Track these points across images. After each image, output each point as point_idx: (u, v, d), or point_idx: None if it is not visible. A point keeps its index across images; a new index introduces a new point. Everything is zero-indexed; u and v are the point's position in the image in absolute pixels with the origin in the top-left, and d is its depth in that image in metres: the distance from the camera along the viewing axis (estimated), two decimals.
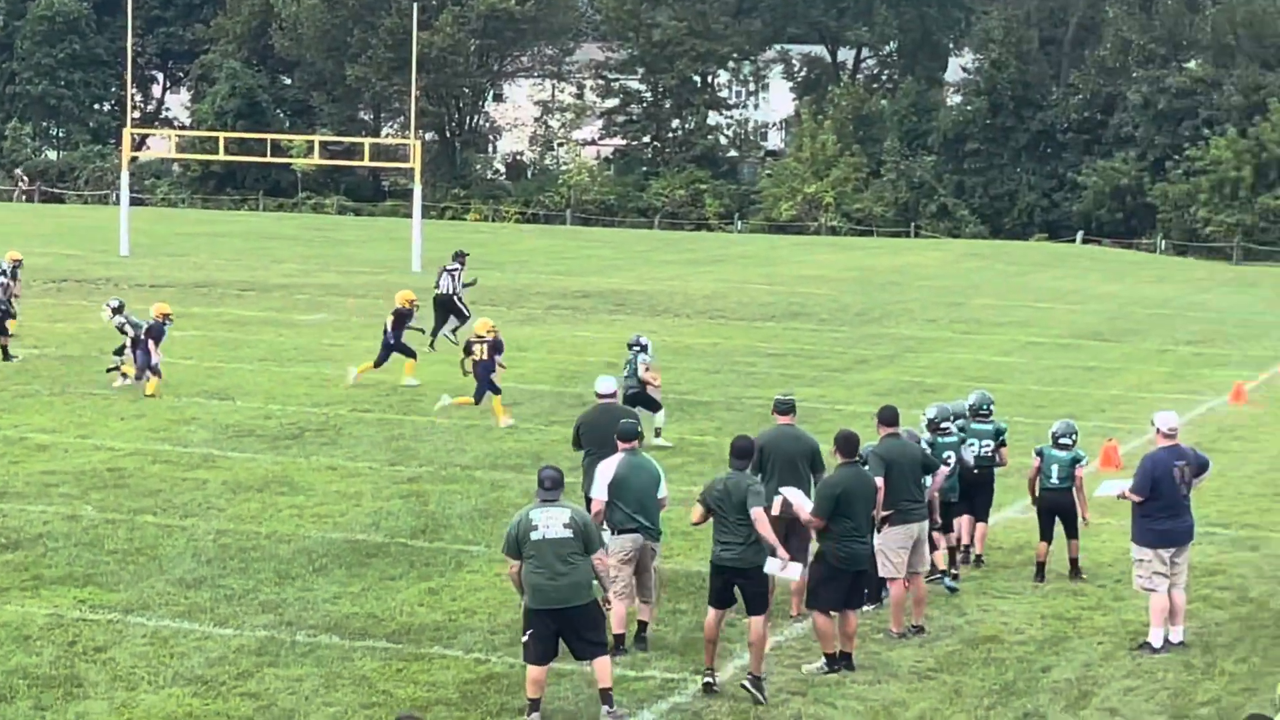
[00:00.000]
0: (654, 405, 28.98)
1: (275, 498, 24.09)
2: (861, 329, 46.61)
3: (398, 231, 75.73)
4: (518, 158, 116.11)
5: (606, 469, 17.91)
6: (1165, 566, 18.21)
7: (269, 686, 16.18)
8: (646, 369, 28.88)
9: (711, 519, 16.81)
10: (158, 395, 31.90)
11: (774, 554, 16.82)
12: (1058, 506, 20.97)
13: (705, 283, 58.02)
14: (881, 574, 18.31)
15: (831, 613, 17.11)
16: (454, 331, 39.85)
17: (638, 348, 29.19)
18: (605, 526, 17.46)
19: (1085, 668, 17.54)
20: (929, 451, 20.01)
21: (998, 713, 16.13)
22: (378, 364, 34.44)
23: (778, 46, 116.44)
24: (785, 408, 19.33)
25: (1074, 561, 21.12)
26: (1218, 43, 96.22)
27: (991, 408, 21.95)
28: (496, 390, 30.90)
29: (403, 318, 34.74)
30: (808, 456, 18.87)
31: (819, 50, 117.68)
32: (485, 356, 31.14)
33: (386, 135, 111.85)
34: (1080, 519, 20.98)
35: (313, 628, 18.02)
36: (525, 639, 15.63)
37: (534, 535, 15.52)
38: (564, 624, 15.49)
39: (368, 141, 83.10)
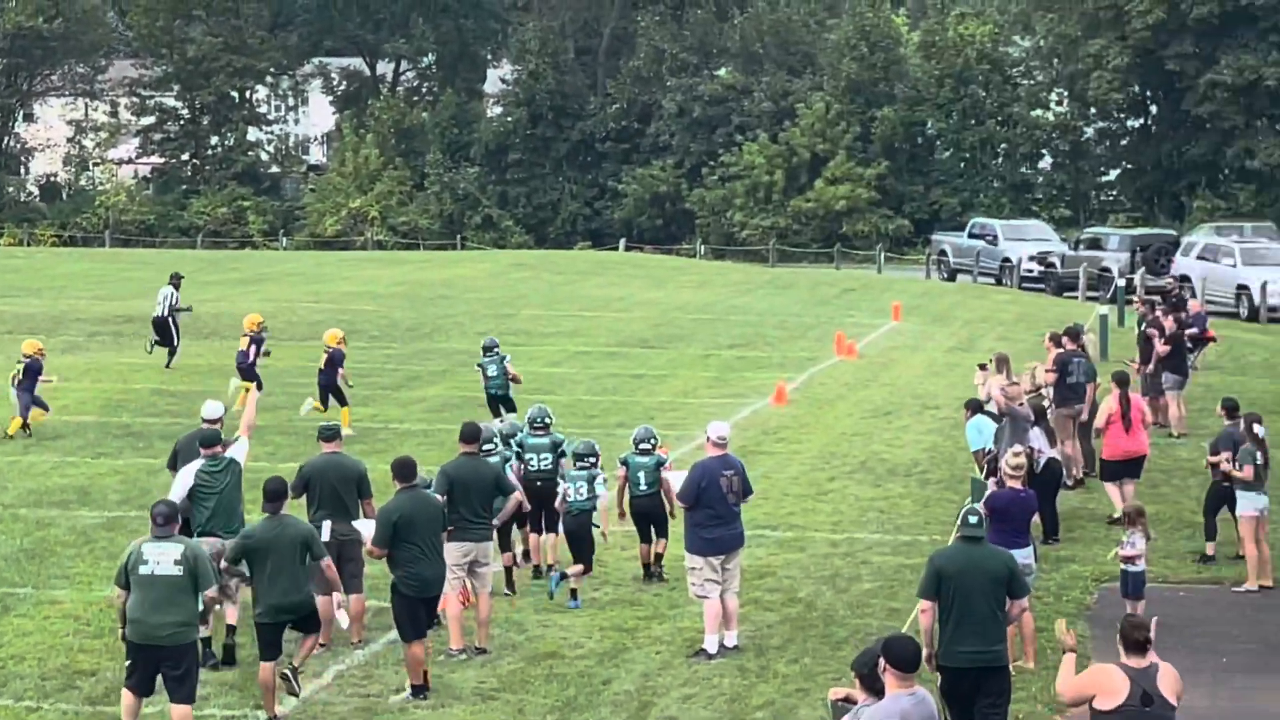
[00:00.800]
0: (513, 406, 31.29)
1: None
2: (413, 345, 46.61)
3: None
4: (52, 179, 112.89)
5: (186, 476, 18.45)
6: (717, 573, 18.67)
7: None
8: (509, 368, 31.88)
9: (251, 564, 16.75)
10: (14, 435, 31.20)
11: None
12: (649, 511, 21.33)
13: (252, 302, 57.16)
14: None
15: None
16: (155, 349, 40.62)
17: (496, 351, 31.95)
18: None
19: (644, 678, 17.86)
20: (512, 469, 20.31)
21: None
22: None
23: (316, 60, 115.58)
24: (330, 434, 19.37)
25: (658, 556, 21.54)
26: (746, 51, 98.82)
27: (548, 420, 22.17)
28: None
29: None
30: (354, 482, 18.93)
31: (358, 63, 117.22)
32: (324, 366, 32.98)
33: None
34: (669, 514, 21.37)
35: None
36: (127, 664, 15.66)
37: (143, 570, 15.47)
38: (161, 661, 15.46)
39: None
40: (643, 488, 21.32)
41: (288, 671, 16.35)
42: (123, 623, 15.70)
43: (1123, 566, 20.35)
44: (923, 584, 15.21)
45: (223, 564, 17.02)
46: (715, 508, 18.67)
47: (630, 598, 20.91)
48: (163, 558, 15.43)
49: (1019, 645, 17.82)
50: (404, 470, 17.59)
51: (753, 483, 19.55)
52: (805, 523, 25.04)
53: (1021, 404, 24.02)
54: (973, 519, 15.50)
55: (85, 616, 19.83)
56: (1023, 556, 16.92)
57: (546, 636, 19.26)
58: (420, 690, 17.07)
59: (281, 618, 16.46)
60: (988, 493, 19.45)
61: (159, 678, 15.55)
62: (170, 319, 40.96)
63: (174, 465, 20.13)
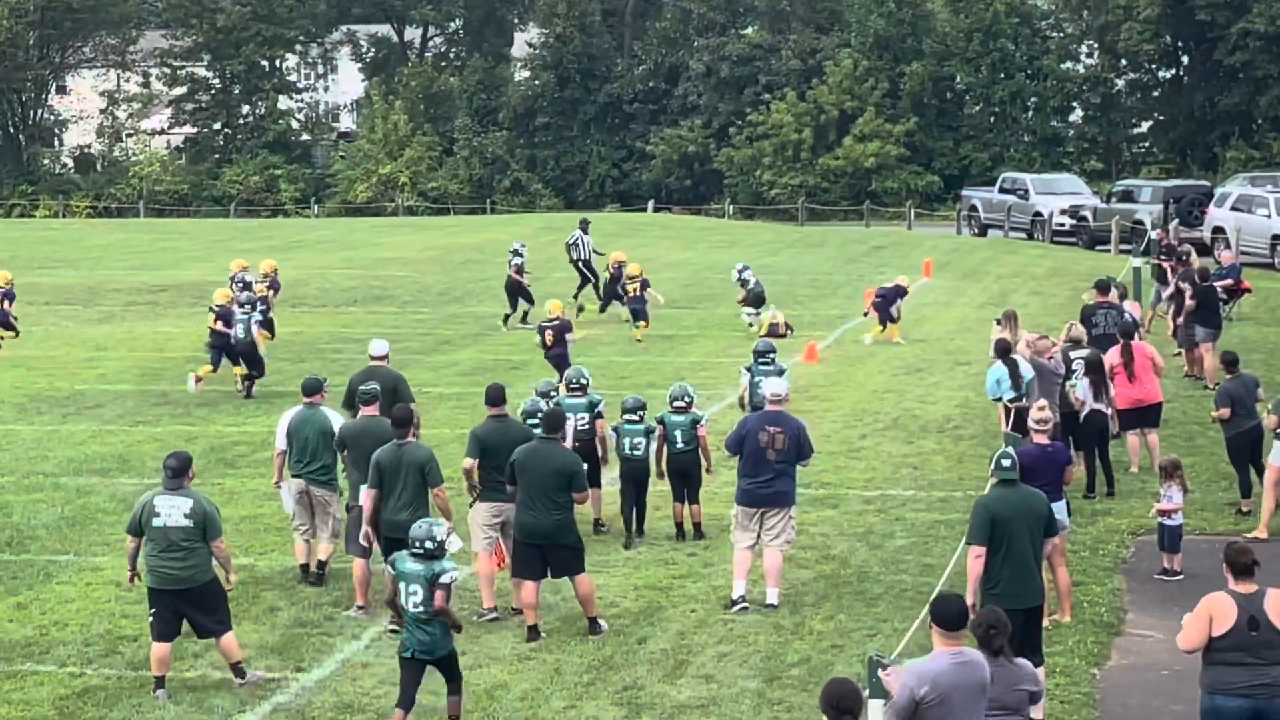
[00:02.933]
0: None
1: None
2: (444, 309, 46.71)
3: None
4: (86, 150, 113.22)
5: (284, 421, 19.78)
6: (749, 524, 18.80)
7: None
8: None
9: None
10: None
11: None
12: (686, 468, 21.52)
13: (285, 270, 56.91)
14: (475, 548, 18.82)
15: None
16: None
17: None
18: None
19: (680, 636, 17.97)
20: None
21: (597, 688, 16.47)
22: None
23: (344, 28, 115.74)
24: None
25: (697, 525, 21.72)
26: (773, 9, 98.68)
27: (584, 381, 22.27)
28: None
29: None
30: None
31: (385, 30, 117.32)
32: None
33: None
34: (705, 470, 21.58)
35: None
36: (150, 617, 16.32)
37: (155, 522, 16.11)
38: (183, 604, 16.12)
39: None
40: (679, 445, 21.51)
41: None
42: (131, 567, 16.50)
43: (1160, 520, 20.41)
44: (974, 530, 15.33)
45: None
46: (752, 460, 18.82)
47: (664, 557, 21.03)
48: (173, 511, 16.10)
49: (1054, 600, 17.89)
50: (554, 419, 18.47)
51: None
52: (838, 480, 25.12)
53: (1050, 357, 23.98)
54: (1006, 462, 15.68)
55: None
56: (1055, 512, 16.95)
57: None
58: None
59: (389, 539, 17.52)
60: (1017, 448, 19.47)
61: (184, 623, 16.36)
62: (583, 262, 45.23)
63: (349, 404, 21.12)
